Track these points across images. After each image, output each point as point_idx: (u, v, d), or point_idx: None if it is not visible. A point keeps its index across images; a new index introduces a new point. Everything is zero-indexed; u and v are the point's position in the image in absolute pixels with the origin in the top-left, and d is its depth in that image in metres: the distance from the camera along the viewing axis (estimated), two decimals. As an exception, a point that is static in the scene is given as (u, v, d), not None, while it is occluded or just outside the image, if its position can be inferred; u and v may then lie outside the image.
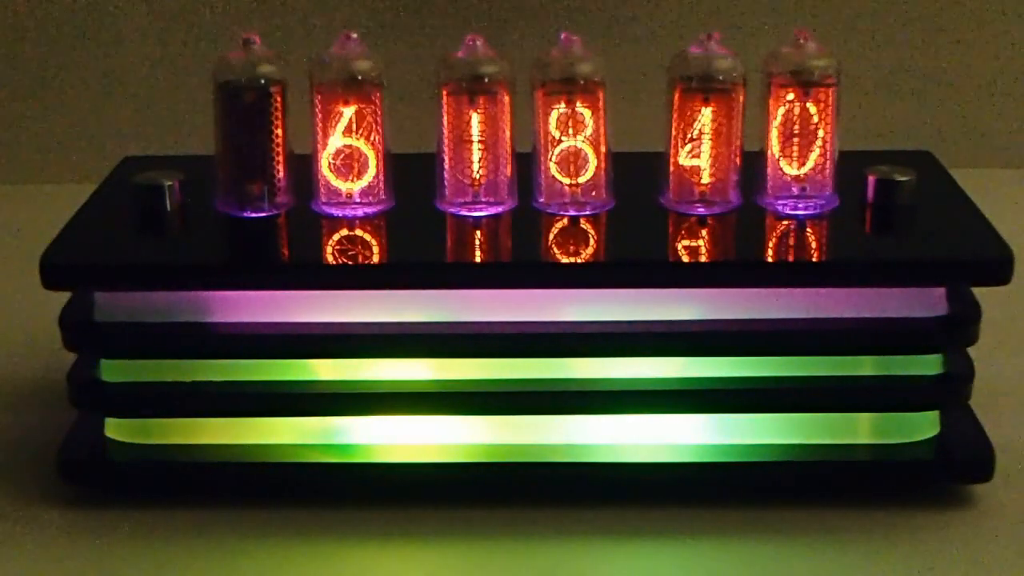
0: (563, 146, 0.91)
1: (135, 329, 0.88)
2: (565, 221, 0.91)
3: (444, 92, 0.90)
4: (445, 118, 0.91)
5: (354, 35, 0.91)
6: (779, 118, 0.91)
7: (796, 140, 0.91)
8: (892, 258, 0.88)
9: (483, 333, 0.88)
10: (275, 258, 0.91)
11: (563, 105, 0.90)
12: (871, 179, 0.92)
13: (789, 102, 0.91)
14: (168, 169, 0.94)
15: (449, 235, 0.90)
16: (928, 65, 1.49)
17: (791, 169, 0.92)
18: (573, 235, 0.90)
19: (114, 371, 0.90)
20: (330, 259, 0.88)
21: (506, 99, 0.91)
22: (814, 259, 0.88)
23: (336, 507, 0.90)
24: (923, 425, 0.91)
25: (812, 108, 0.90)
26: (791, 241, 0.89)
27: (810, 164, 0.91)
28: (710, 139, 0.91)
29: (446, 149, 0.91)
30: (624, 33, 1.47)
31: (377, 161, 0.91)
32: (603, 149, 0.91)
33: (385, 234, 0.91)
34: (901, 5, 1.48)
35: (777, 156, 0.92)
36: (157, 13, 1.47)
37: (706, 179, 0.92)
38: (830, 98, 0.91)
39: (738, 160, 0.91)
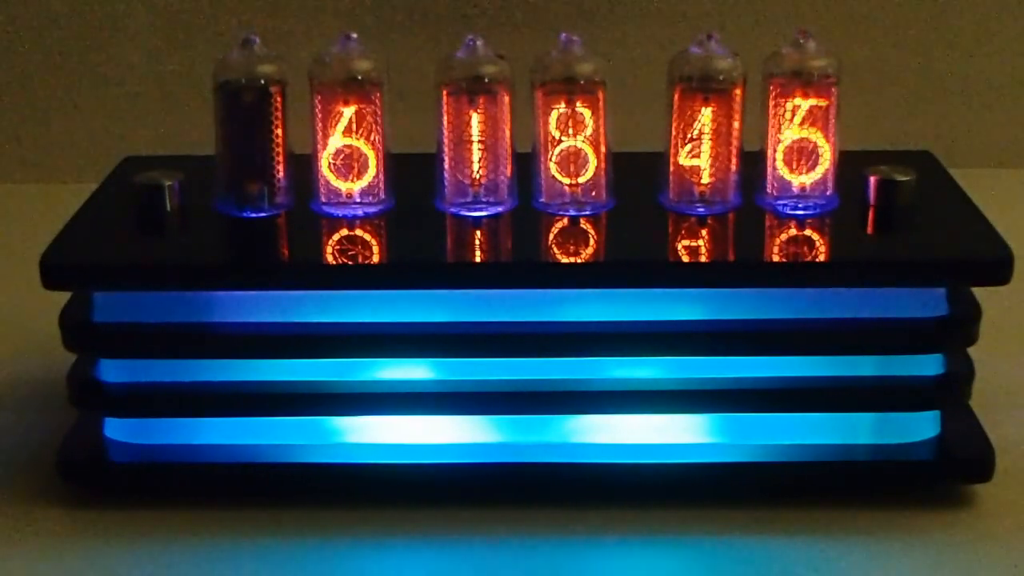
0: (563, 146, 0.91)
1: (135, 329, 0.88)
2: (565, 221, 0.91)
3: (444, 92, 0.90)
4: (445, 118, 0.91)
5: (354, 35, 0.91)
6: (779, 118, 0.91)
7: (796, 140, 0.91)
8: (892, 258, 0.88)
9: (483, 333, 0.88)
10: (275, 258, 0.91)
11: (563, 105, 0.90)
12: (871, 179, 0.92)
13: (789, 102, 0.91)
14: (168, 169, 0.94)
15: (449, 235, 0.90)
16: (928, 65, 1.49)
17: (791, 169, 0.92)
18: (573, 235, 0.90)
19: (114, 371, 0.90)
20: (330, 259, 0.88)
21: (506, 99, 0.91)
22: (814, 259, 0.88)
23: (336, 507, 0.90)
24: (923, 425, 0.91)
25: (812, 108, 0.90)
26: (791, 241, 0.89)
27: (810, 164, 0.91)
28: (710, 139, 0.91)
29: (446, 149, 0.91)
30: (624, 33, 1.47)
31: (377, 161, 0.91)
32: (603, 149, 0.91)
33: (385, 234, 0.91)
34: (901, 5, 1.48)
35: (777, 156, 0.92)
36: (157, 13, 1.47)
37: (706, 179, 0.92)
38: (830, 98, 0.91)
39: (738, 160, 0.91)
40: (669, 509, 0.89)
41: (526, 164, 0.92)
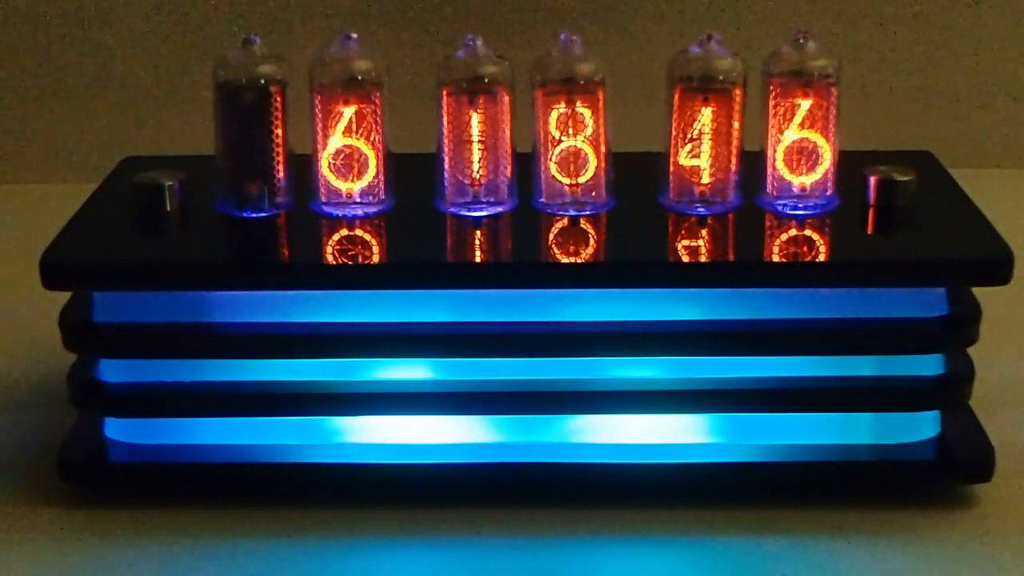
0: (563, 146, 0.91)
1: (135, 329, 0.88)
2: (565, 221, 0.91)
3: (444, 92, 0.90)
4: (445, 118, 0.91)
5: (354, 35, 0.91)
6: (779, 118, 0.91)
7: (796, 140, 0.91)
8: (892, 258, 0.88)
9: (483, 333, 0.88)
10: (275, 258, 0.91)
11: (563, 105, 0.90)
12: (871, 179, 0.92)
13: (789, 102, 0.91)
14: (168, 169, 0.94)
15: (449, 235, 0.90)
16: (928, 65, 1.49)
17: (791, 169, 0.92)
18: (573, 235, 0.90)
19: (114, 371, 0.90)
20: (330, 259, 0.88)
21: (506, 99, 0.91)
22: (814, 259, 0.88)
23: (336, 507, 0.90)
24: (923, 425, 0.91)
25: (812, 108, 0.90)
26: (791, 241, 0.89)
27: (810, 164, 0.91)
28: (710, 139, 0.91)
29: (446, 149, 0.91)
30: (624, 33, 1.47)
31: (377, 161, 0.91)
32: (603, 149, 0.91)
33: (385, 234, 0.91)
34: (901, 5, 1.48)
35: (777, 156, 0.92)
36: (157, 13, 1.47)
37: (706, 179, 0.92)
38: (830, 98, 0.91)
39: (738, 160, 0.91)
40: (669, 509, 0.89)
41: (526, 164, 0.92)
